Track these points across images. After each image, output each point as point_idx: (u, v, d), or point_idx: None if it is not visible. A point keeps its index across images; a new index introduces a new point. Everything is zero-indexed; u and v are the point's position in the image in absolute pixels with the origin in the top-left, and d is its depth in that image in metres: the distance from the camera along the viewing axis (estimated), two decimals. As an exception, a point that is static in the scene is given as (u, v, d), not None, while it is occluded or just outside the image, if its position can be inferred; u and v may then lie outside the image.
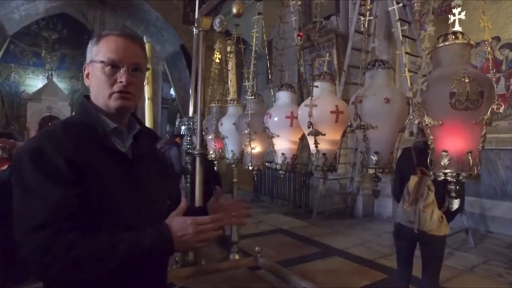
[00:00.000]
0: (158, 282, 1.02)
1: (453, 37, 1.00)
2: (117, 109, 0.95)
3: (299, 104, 1.82)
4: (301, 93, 6.67)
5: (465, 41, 0.98)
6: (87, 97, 1.02)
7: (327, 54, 1.84)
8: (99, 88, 0.95)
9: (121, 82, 0.93)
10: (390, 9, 1.46)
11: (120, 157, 0.95)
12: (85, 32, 12.13)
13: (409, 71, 1.31)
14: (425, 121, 1.01)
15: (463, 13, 1.05)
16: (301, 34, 6.10)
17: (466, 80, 0.89)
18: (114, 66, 0.93)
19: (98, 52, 0.95)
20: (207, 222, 0.89)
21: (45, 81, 12.68)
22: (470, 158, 0.93)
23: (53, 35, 11.31)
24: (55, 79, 12.86)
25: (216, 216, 0.94)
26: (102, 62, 0.93)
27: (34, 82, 12.86)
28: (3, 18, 8.37)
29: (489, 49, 1.01)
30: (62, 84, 13.16)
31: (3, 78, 12.06)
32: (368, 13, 1.49)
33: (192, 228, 0.86)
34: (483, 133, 0.93)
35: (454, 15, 1.06)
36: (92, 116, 0.95)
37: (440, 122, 0.97)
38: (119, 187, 0.90)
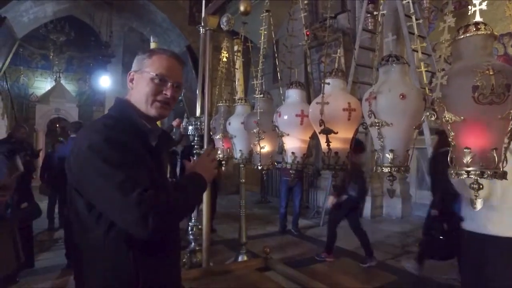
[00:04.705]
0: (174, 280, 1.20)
1: (475, 28, 0.95)
2: (156, 115, 1.15)
3: (307, 103, 1.78)
4: (308, 93, 6.62)
5: (488, 32, 0.93)
6: (122, 99, 1.18)
7: (338, 52, 1.80)
8: (145, 94, 1.12)
9: (165, 94, 1.13)
10: (404, 2, 1.42)
11: (153, 150, 1.15)
12: (92, 34, 12.26)
13: (418, 68, 1.27)
14: (445, 117, 0.97)
15: (484, 4, 1.00)
16: (307, 33, 6.06)
17: (491, 73, 0.85)
18: (162, 80, 1.12)
19: (150, 65, 1.13)
20: (206, 155, 1.28)
21: (53, 84, 12.81)
22: (495, 155, 0.88)
23: (61, 37, 11.41)
24: (62, 81, 13.00)
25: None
26: (155, 75, 1.11)
27: (43, 85, 13.01)
28: (12, 21, 8.47)
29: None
30: (69, 86, 13.30)
31: (13, 81, 12.21)
32: (381, 7, 1.44)
33: (203, 162, 1.25)
34: (509, 128, 0.88)
35: (474, 5, 1.01)
36: (135, 116, 1.13)
37: (462, 118, 0.92)
38: (153, 172, 1.08)
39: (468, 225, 1.97)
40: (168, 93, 1.12)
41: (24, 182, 3.66)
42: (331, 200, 4.11)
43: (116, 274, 1.01)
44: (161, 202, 0.96)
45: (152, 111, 1.13)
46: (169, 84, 1.12)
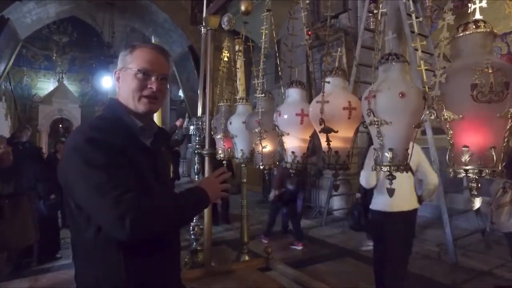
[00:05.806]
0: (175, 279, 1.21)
1: (474, 26, 0.95)
2: (145, 111, 1.11)
3: (308, 102, 1.78)
4: (310, 93, 6.62)
5: (488, 30, 0.93)
6: (113, 99, 1.17)
7: (339, 50, 1.79)
8: (131, 91, 1.09)
9: (151, 88, 1.09)
10: (405, 0, 1.41)
11: (146, 149, 1.12)
12: (95, 35, 12.30)
13: (419, 67, 1.26)
14: (444, 115, 0.96)
15: (484, 1, 0.99)
16: (309, 32, 6.06)
17: (490, 71, 0.84)
18: (146, 74, 1.09)
19: (133, 61, 1.10)
20: (215, 175, 1.24)
21: (56, 84, 12.88)
22: (493, 153, 0.88)
23: (63, 38, 11.49)
24: (65, 82, 13.06)
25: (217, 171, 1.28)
26: (137, 70, 1.08)
27: (46, 85, 13.09)
28: (15, 23, 8.51)
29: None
30: (72, 87, 13.37)
31: (16, 82, 12.30)
32: (381, 5, 1.44)
33: (211, 180, 1.22)
34: (508, 127, 0.87)
35: (474, 3, 1.00)
36: (124, 115, 1.10)
37: (460, 116, 0.92)
38: (145, 172, 1.07)
39: (373, 206, 2.68)
40: (154, 86, 1.09)
41: (50, 175, 3.86)
42: (272, 193, 5.18)
43: (107, 275, 1.01)
44: (143, 205, 0.93)
45: (140, 108, 1.10)
46: (153, 78, 1.09)
